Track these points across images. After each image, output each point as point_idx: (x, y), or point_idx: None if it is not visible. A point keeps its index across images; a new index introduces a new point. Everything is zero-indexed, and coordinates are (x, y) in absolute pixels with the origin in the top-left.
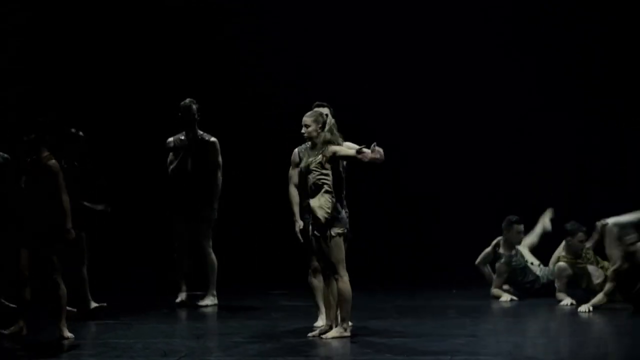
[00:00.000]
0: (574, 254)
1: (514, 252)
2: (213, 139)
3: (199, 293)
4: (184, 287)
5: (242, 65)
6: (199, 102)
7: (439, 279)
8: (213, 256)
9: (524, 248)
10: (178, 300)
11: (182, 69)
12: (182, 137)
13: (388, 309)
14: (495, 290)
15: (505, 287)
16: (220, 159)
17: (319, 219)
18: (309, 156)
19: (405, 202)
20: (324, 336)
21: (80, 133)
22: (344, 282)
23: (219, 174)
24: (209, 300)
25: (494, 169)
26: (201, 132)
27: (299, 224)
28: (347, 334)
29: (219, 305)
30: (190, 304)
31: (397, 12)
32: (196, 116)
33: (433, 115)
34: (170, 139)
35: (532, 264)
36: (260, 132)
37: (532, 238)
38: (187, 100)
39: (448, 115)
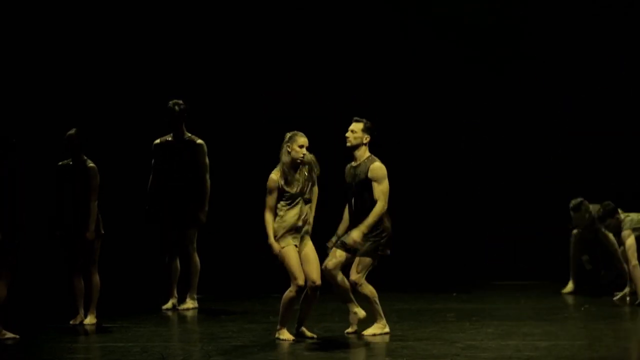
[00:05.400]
0: None
1: None
2: (200, 140)
3: (198, 296)
4: (174, 293)
5: (242, 65)
6: (198, 103)
7: (438, 282)
8: (197, 259)
9: None
10: (167, 305)
11: (182, 69)
12: (169, 139)
13: (388, 313)
14: None
15: None
16: (207, 160)
17: None
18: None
19: (404, 204)
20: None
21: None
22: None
23: (207, 177)
24: (190, 304)
25: (495, 170)
26: (189, 134)
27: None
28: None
29: (218, 309)
30: (180, 310)
31: (398, 11)
32: (183, 117)
33: (435, 115)
34: (157, 140)
35: None
36: (260, 132)
37: None
38: (174, 101)
39: (450, 115)
